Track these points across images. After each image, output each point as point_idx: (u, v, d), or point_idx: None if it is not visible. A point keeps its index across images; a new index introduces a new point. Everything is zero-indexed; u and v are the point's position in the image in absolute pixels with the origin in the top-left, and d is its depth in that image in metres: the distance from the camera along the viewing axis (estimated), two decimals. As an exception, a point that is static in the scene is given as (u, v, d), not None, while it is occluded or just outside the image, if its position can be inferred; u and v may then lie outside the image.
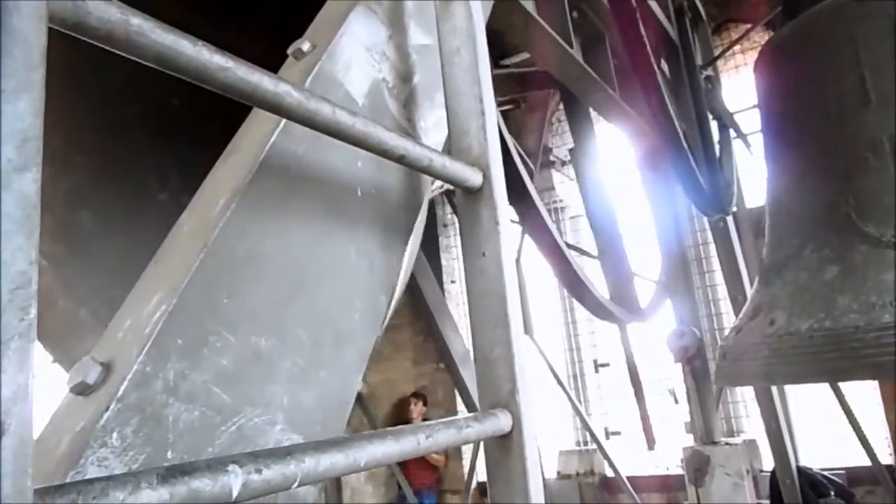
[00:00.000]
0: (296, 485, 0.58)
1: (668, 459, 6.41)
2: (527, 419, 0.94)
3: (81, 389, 0.64)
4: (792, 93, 2.34)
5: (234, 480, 0.53)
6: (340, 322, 0.89)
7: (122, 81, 2.05)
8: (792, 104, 2.34)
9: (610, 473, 6.39)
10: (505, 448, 0.94)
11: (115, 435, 0.61)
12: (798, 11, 2.44)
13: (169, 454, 0.64)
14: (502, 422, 0.91)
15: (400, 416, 7.43)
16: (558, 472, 7.38)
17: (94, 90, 2.08)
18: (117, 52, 0.56)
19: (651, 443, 4.23)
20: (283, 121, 0.86)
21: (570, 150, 4.13)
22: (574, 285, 2.28)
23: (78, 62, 1.61)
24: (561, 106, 7.92)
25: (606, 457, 5.93)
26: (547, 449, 7.26)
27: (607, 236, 3.43)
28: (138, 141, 2.17)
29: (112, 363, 0.66)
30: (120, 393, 0.62)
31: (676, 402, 7.31)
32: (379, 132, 0.81)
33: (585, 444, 7.35)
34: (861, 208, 1.93)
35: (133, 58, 0.58)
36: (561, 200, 7.43)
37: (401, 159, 0.86)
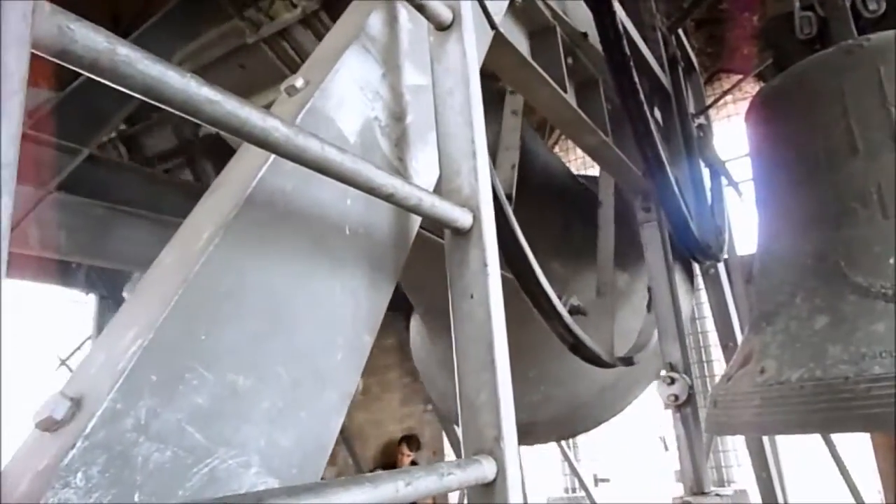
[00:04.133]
0: (265, 532, 0.56)
1: (658, 508, 6.30)
2: (511, 467, 0.92)
3: (48, 425, 0.62)
4: (782, 142, 2.37)
5: (201, 527, 0.50)
6: (322, 361, 0.87)
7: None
8: (782, 153, 2.36)
9: (598, 521, 6.27)
10: (488, 496, 0.91)
11: (79, 475, 0.58)
12: (788, 63, 2.49)
13: (136, 497, 0.62)
14: (486, 469, 0.89)
15: (387, 460, 7.27)
16: (546, 519, 7.24)
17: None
18: (103, 80, 0.56)
19: None
20: (273, 156, 0.85)
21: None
22: (561, 333, 2.25)
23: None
24: (555, 149, 8.02)
25: (595, 504, 5.83)
26: (535, 496, 7.13)
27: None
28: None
29: (82, 399, 0.64)
30: (88, 430, 0.60)
31: (666, 449, 7.23)
32: (368, 170, 0.81)
33: (574, 490, 7.24)
34: (850, 258, 1.93)
35: (119, 87, 0.57)
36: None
37: (389, 197, 0.85)
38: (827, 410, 1.82)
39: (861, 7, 2.49)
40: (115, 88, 0.58)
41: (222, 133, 0.69)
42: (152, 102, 0.60)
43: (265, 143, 0.68)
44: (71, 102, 2.92)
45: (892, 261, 1.86)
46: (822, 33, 2.52)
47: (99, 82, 0.57)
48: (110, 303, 4.73)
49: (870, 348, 1.78)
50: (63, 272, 4.74)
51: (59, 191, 3.02)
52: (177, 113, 0.62)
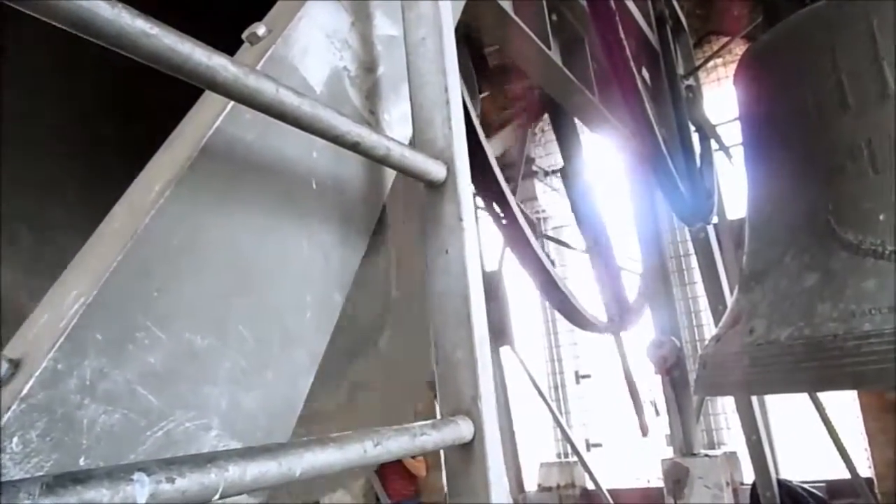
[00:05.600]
0: (216, 497, 0.52)
1: (649, 471, 6.37)
2: (490, 427, 0.89)
3: (-16, 389, 0.58)
4: (772, 100, 2.32)
5: (140, 490, 0.46)
6: (290, 320, 0.83)
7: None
8: (772, 111, 2.32)
9: (591, 486, 6.33)
10: (466, 458, 0.88)
11: (15, 440, 0.54)
12: (779, 19, 2.43)
13: (81, 461, 0.58)
14: (463, 430, 0.86)
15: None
16: (539, 485, 7.31)
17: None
18: (30, 13, 0.51)
19: (645, 429, 4.19)
20: (231, 104, 0.80)
21: (561, 170, 4.11)
22: (552, 294, 2.22)
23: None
24: (546, 116, 7.93)
25: (587, 469, 5.87)
26: (528, 461, 7.19)
27: (596, 242, 3.40)
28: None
29: (22, 360, 0.60)
30: (25, 391, 0.56)
31: (657, 413, 7.28)
32: (330, 116, 0.76)
33: (566, 456, 7.30)
34: (840, 215, 1.90)
35: (46, 20, 0.52)
36: (544, 211, 7.41)
37: (355, 147, 0.81)
38: (816, 369, 1.80)
39: (853, -40, 2.43)
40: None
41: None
42: (85, 36, 0.55)
43: (212, 84, 0.63)
44: None
45: (882, 217, 1.83)
46: (813, -13, 2.45)
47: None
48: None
49: (859, 305, 1.75)
50: None
51: None
52: (111, 48, 0.57)
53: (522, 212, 2.11)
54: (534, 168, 6.50)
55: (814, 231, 1.97)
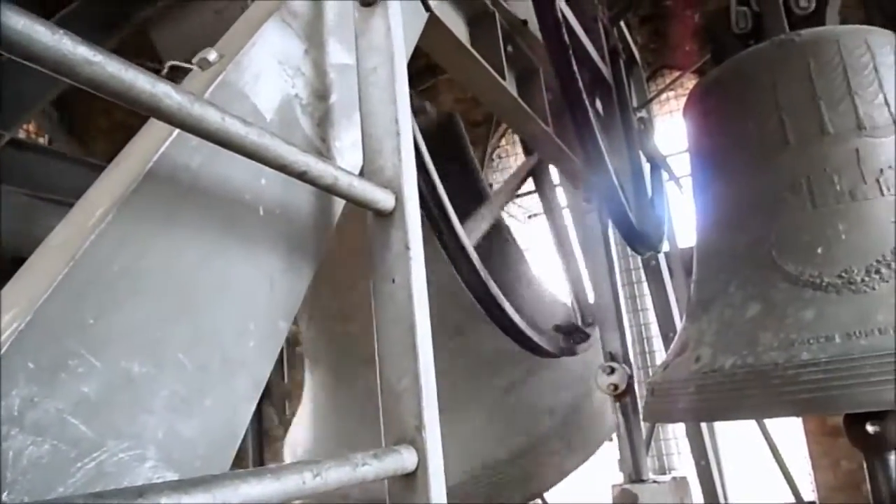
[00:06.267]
0: (145, 530, 0.51)
1: (600, 497, 6.39)
2: (434, 457, 0.89)
3: None
4: (718, 133, 2.40)
5: (63, 526, 0.45)
6: (232, 347, 0.82)
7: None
8: (718, 144, 2.40)
9: (544, 511, 6.32)
10: (409, 488, 0.88)
11: (-65, 472, 0.52)
12: (725, 57, 2.53)
13: (4, 496, 0.56)
14: (406, 459, 0.85)
15: None
16: (492, 511, 7.27)
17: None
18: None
19: None
20: (177, 131, 0.80)
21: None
22: (499, 320, 2.24)
23: None
24: (502, 143, 8.04)
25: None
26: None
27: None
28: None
29: (-53, 388, 0.58)
30: (-53, 422, 0.54)
31: (610, 439, 7.34)
32: (276, 145, 0.76)
33: (520, 481, 7.27)
34: (782, 246, 1.97)
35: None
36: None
37: (302, 176, 0.81)
38: (758, 396, 1.85)
39: (793, 4, 2.55)
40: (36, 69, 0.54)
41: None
42: (23, 61, 0.55)
43: (156, 112, 0.63)
44: (-10, 84, 2.76)
45: (820, 249, 1.90)
46: (757, 28, 2.56)
47: (18, 62, 0.52)
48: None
49: (799, 335, 1.81)
50: (-12, 265, 4.53)
51: (-22, 178, 2.85)
52: (52, 74, 0.56)
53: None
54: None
55: (757, 262, 2.03)
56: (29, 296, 0.64)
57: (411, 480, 0.87)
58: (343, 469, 0.74)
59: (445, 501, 0.89)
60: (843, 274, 1.81)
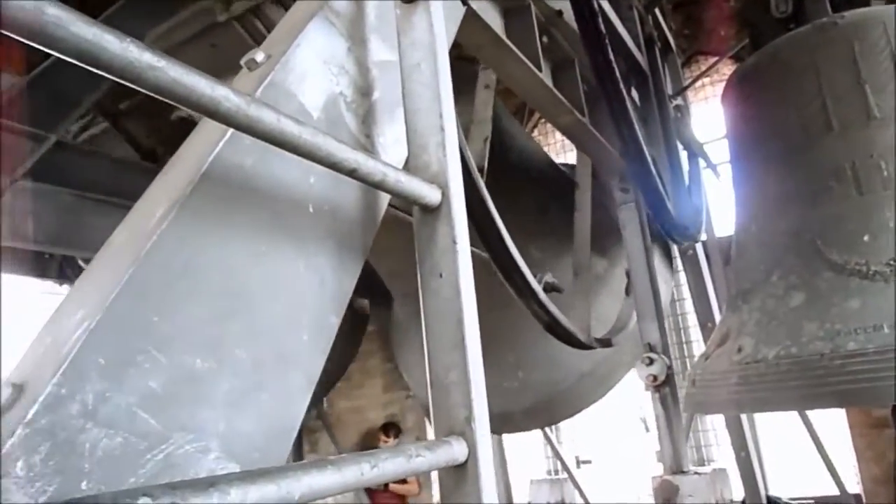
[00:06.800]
0: (218, 520, 0.53)
1: (640, 489, 6.37)
2: (483, 448, 0.90)
3: (-12, 414, 0.59)
4: (758, 121, 2.36)
5: (145, 515, 0.47)
6: (285, 342, 0.84)
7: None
8: (758, 132, 2.36)
9: (580, 502, 6.31)
10: (460, 479, 0.89)
11: (20, 464, 0.55)
12: (764, 42, 2.48)
13: (83, 485, 0.59)
14: (456, 451, 0.87)
15: (368, 448, 7.18)
16: (529, 502, 7.27)
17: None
18: (33, 44, 0.52)
19: None
20: (231, 131, 0.82)
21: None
22: (539, 314, 2.24)
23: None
24: (535, 133, 8.00)
25: (577, 486, 5.87)
26: (518, 477, 7.17)
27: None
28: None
29: (25, 384, 0.61)
30: (29, 416, 0.57)
31: (647, 430, 7.30)
32: (328, 143, 0.77)
33: (556, 473, 7.28)
34: (825, 235, 1.93)
35: (51, 52, 0.54)
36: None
37: (352, 173, 0.82)
38: (803, 387, 1.82)
39: (836, -15, 2.49)
40: (81, 71, 0.55)
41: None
42: (90, 68, 0.57)
43: (215, 114, 0.65)
44: (36, 87, 2.83)
45: (866, 237, 1.86)
46: (798, 11, 2.51)
47: (65, 65, 0.54)
48: (84, 293, 4.65)
49: (845, 325, 1.78)
50: (36, 263, 4.66)
51: (27, 179, 2.94)
52: (117, 80, 0.58)
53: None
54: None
55: (800, 251, 2.00)
56: (97, 295, 0.67)
57: (462, 471, 0.88)
58: (398, 460, 0.75)
59: (495, 492, 0.91)
60: (892, 262, 1.77)
